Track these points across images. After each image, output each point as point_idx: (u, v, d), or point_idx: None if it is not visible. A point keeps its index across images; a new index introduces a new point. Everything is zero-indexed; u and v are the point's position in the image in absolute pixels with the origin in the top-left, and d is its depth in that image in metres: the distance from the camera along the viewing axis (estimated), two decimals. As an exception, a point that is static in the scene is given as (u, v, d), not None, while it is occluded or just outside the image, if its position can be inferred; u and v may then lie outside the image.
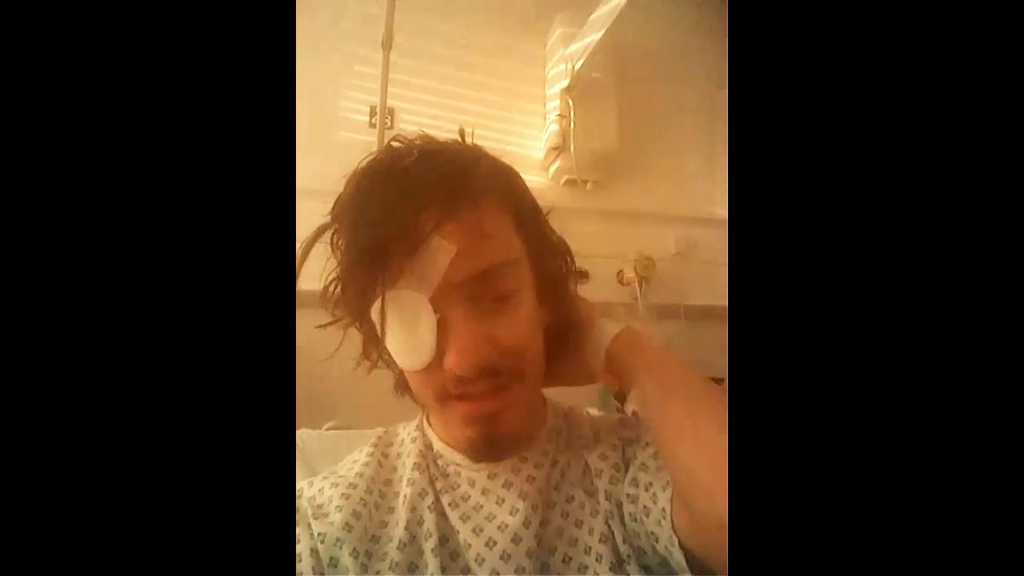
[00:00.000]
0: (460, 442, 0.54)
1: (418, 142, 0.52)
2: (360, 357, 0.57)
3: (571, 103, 1.58)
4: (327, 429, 1.03)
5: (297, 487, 0.57)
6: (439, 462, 0.58)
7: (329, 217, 0.52)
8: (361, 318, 0.52)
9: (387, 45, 1.11)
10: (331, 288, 0.52)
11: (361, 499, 0.53)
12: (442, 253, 0.46)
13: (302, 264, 0.50)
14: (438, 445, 0.59)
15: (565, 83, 1.59)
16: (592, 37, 1.49)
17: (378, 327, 0.48)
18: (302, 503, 0.54)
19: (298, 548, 0.50)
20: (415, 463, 0.57)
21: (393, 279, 0.46)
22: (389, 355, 0.53)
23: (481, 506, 0.54)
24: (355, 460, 0.60)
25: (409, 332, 0.47)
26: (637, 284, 1.60)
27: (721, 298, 1.58)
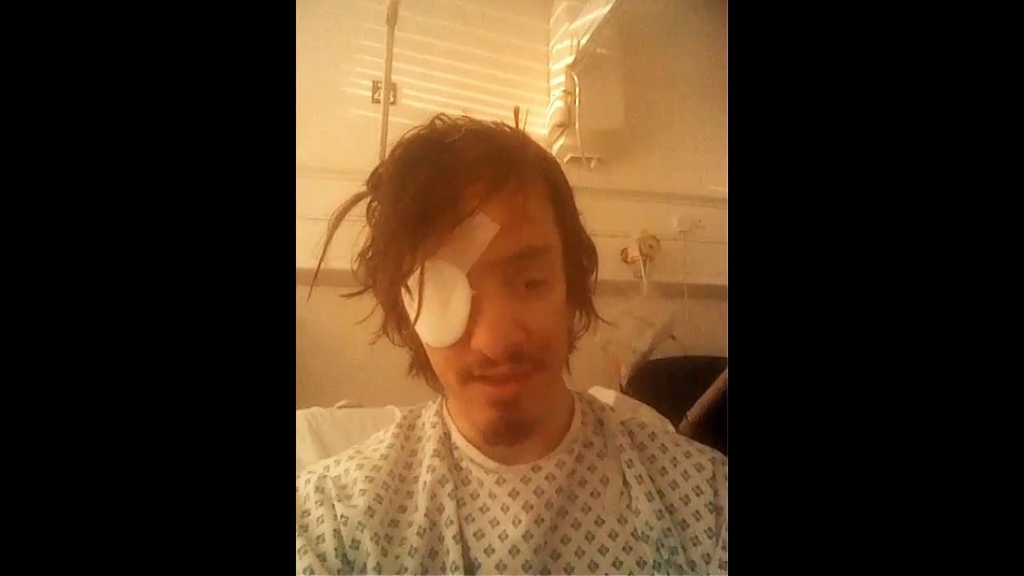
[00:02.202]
0: (479, 424, 0.53)
1: (462, 122, 0.52)
2: (378, 332, 0.57)
3: (576, 79, 1.57)
4: (339, 407, 1.03)
5: (323, 465, 0.58)
6: (455, 453, 0.57)
7: (366, 187, 0.52)
8: (391, 289, 0.51)
9: (392, 20, 1.10)
10: (367, 254, 0.52)
11: (384, 483, 0.54)
12: (485, 229, 0.46)
13: (332, 233, 0.51)
14: (455, 436, 0.58)
15: (570, 59, 1.57)
16: (598, 12, 1.47)
17: (414, 297, 0.47)
18: (327, 483, 0.54)
19: (322, 528, 0.50)
20: (435, 449, 0.57)
21: (432, 250, 0.46)
22: (408, 332, 0.53)
23: (487, 508, 0.53)
24: (380, 440, 0.60)
25: (442, 306, 0.47)
26: (641, 262, 1.59)
27: (725, 277, 1.57)
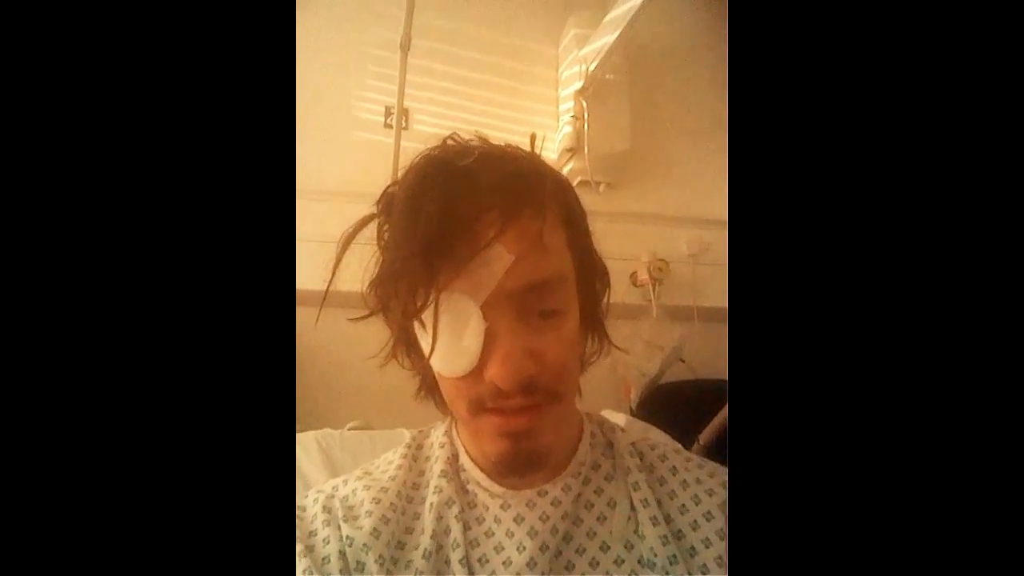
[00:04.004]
0: (489, 456, 0.52)
1: (475, 142, 0.51)
2: (387, 357, 0.56)
3: (585, 104, 1.59)
4: (349, 429, 1.04)
5: (332, 485, 0.58)
6: (462, 475, 0.56)
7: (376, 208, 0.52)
8: (404, 321, 0.50)
9: (405, 46, 1.12)
10: (379, 282, 0.51)
11: (391, 504, 0.53)
12: (501, 261, 0.44)
13: (341, 256, 0.50)
14: (463, 458, 0.57)
15: (579, 84, 1.59)
16: (606, 39, 1.49)
17: (428, 331, 0.46)
18: (334, 503, 0.54)
19: (327, 550, 0.50)
20: (442, 470, 0.56)
21: (447, 282, 0.45)
22: (417, 357, 0.53)
23: (492, 533, 0.52)
24: (390, 461, 0.60)
25: (456, 337, 0.46)
26: (651, 286, 1.60)
27: (734, 300, 1.57)
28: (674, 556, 0.49)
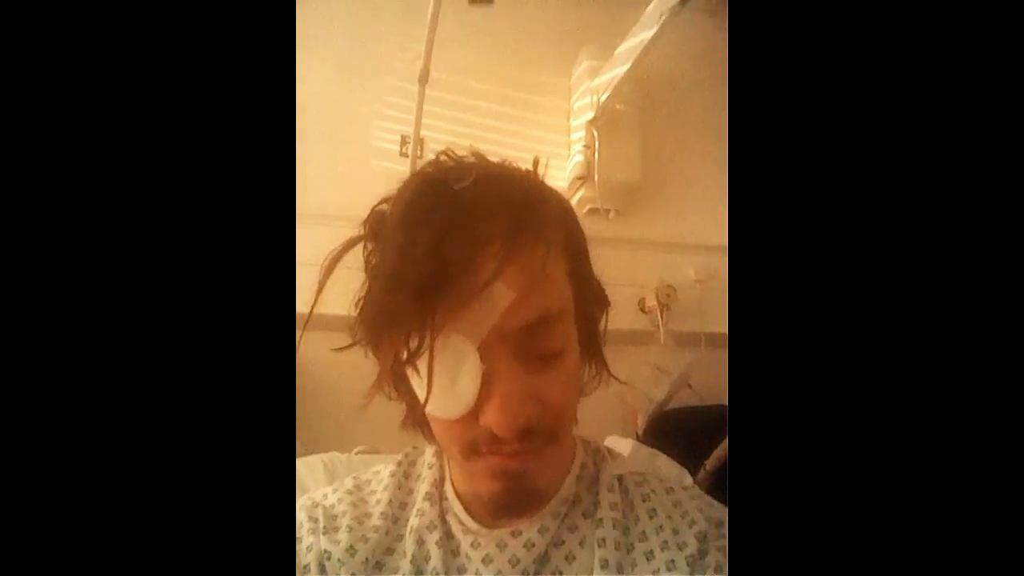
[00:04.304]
0: (482, 496, 0.49)
1: (471, 159, 0.48)
2: (372, 388, 0.50)
3: (596, 134, 1.62)
4: (356, 453, 1.05)
5: (322, 493, 0.57)
6: (443, 503, 0.53)
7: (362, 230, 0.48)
8: (396, 366, 0.46)
9: (423, 79, 1.17)
10: (367, 315, 0.47)
11: (374, 526, 0.52)
12: (502, 299, 0.41)
13: (326, 279, 0.47)
14: (447, 485, 0.55)
15: (590, 115, 1.63)
16: (618, 70, 1.53)
17: (422, 376, 0.43)
18: (318, 512, 0.53)
19: (308, 558, 0.49)
20: (427, 492, 0.54)
21: (443, 323, 0.41)
22: (404, 389, 0.49)
23: (464, 569, 0.49)
24: (380, 479, 0.58)
25: (450, 380, 0.42)
26: (659, 311, 1.61)
27: (742, 327, 1.58)
28: None
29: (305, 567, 0.49)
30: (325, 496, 0.56)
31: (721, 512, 0.52)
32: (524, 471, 0.46)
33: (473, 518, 0.52)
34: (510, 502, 0.48)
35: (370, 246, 0.48)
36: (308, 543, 0.51)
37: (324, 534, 0.51)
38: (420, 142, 1.40)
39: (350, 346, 0.49)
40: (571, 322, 0.47)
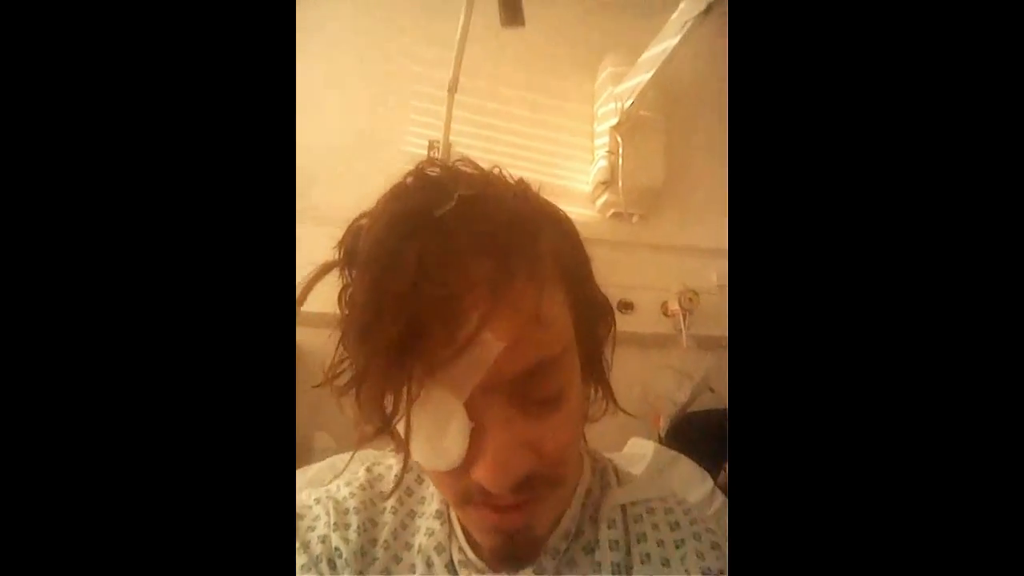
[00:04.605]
0: (481, 547, 0.47)
1: (456, 169, 0.43)
2: (357, 439, 0.44)
3: (620, 140, 1.64)
4: (391, 451, 1.07)
5: (336, 484, 0.56)
6: (451, 525, 0.51)
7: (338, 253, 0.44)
8: (376, 430, 0.41)
9: (453, 88, 1.20)
10: (342, 374, 0.42)
11: (383, 529, 0.51)
12: (490, 351, 0.36)
13: (302, 302, 0.41)
14: (452, 512, 0.52)
15: (614, 120, 1.64)
16: (642, 77, 1.54)
17: (400, 437, 0.39)
18: (330, 505, 0.52)
19: (320, 549, 0.49)
20: (438, 511, 0.51)
21: (423, 376, 0.36)
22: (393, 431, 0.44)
23: None
24: (391, 477, 0.55)
25: (436, 435, 0.38)
26: (681, 316, 1.62)
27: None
28: None
29: (317, 557, 0.49)
30: (339, 489, 0.54)
31: (721, 557, 0.50)
32: (525, 526, 0.42)
33: (475, 552, 0.49)
34: (513, 555, 0.44)
35: (346, 274, 0.43)
36: (321, 535, 0.50)
37: (335, 531, 0.50)
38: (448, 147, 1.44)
39: (324, 384, 0.43)
40: (572, 358, 0.43)
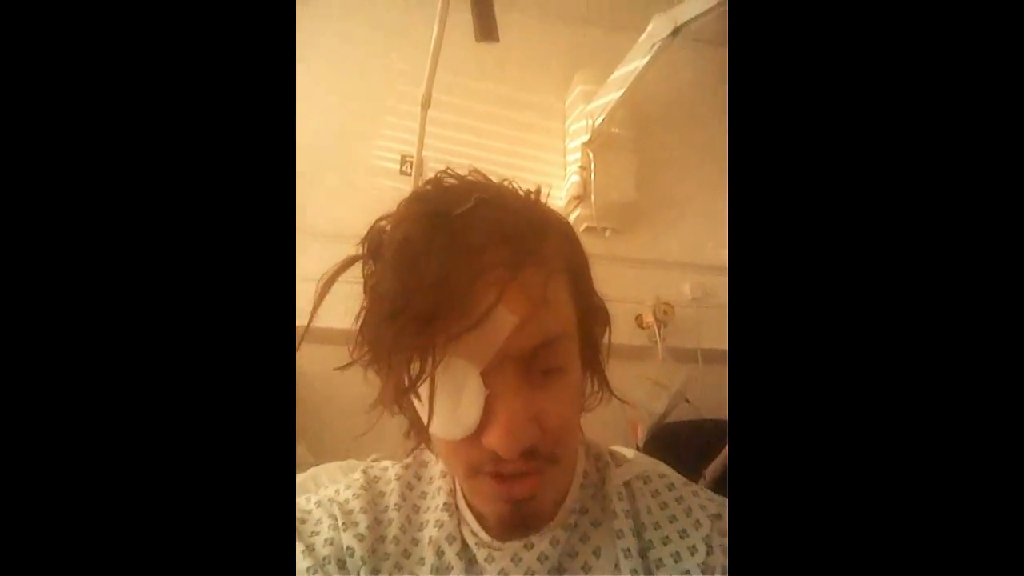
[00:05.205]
0: (488, 516, 0.50)
1: (470, 177, 0.49)
2: (374, 403, 0.50)
3: (591, 156, 1.66)
4: (373, 460, 1.07)
5: (334, 488, 0.57)
6: (459, 514, 0.54)
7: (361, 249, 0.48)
8: (398, 395, 0.46)
9: (426, 104, 1.20)
10: (367, 337, 0.47)
11: (391, 525, 0.53)
12: (505, 324, 0.41)
13: (323, 297, 0.47)
14: (459, 496, 0.55)
15: (585, 137, 1.67)
16: (612, 96, 1.57)
17: (424, 402, 0.44)
18: (334, 508, 0.53)
19: (327, 551, 0.50)
20: (445, 503, 0.54)
21: (444, 348, 0.41)
22: (407, 405, 0.49)
23: None
24: (388, 478, 0.58)
25: (453, 403, 0.43)
26: (656, 328, 1.64)
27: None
28: None
29: (325, 559, 0.49)
30: (339, 492, 0.56)
31: (720, 507, 0.53)
32: (528, 496, 0.46)
33: (486, 531, 0.52)
34: (516, 524, 0.48)
35: (370, 264, 0.48)
36: (328, 536, 0.51)
37: (345, 530, 0.51)
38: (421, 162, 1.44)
39: (350, 365, 0.48)
40: (573, 341, 0.48)
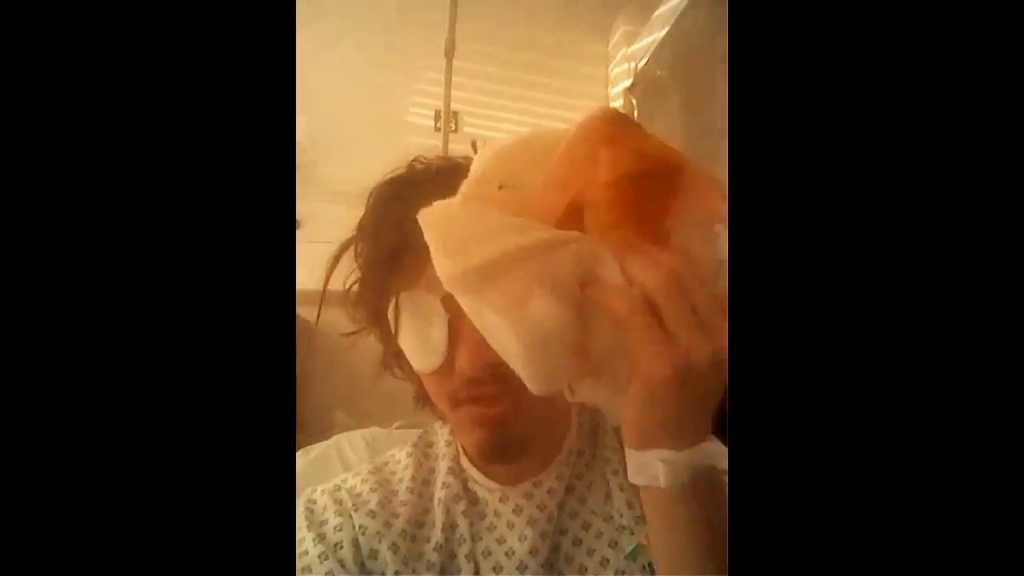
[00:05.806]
0: (471, 445, 0.55)
1: (437, 162, 0.55)
2: (379, 366, 0.58)
3: (635, 102, 1.59)
4: (396, 428, 1.07)
5: (341, 478, 0.60)
6: (463, 475, 0.58)
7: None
8: (379, 323, 0.54)
9: (450, 53, 1.16)
10: (352, 290, 0.56)
11: (402, 500, 0.56)
12: None
13: (330, 275, 0.55)
14: (462, 457, 0.59)
15: (628, 82, 1.60)
16: (655, 35, 1.50)
17: (392, 327, 0.50)
18: (342, 494, 0.56)
19: (340, 536, 0.53)
20: (450, 467, 0.58)
21: (407, 284, 0.49)
22: (408, 365, 0.54)
23: (494, 527, 0.54)
24: (397, 460, 0.62)
25: (423, 333, 0.49)
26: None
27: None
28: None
29: (338, 544, 0.52)
30: (345, 480, 0.59)
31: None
32: (503, 419, 0.50)
33: (492, 480, 0.56)
34: (495, 450, 0.52)
35: (360, 243, 0.55)
36: (336, 523, 0.54)
37: (356, 511, 0.54)
38: (454, 116, 1.40)
39: (356, 332, 0.57)
40: None
